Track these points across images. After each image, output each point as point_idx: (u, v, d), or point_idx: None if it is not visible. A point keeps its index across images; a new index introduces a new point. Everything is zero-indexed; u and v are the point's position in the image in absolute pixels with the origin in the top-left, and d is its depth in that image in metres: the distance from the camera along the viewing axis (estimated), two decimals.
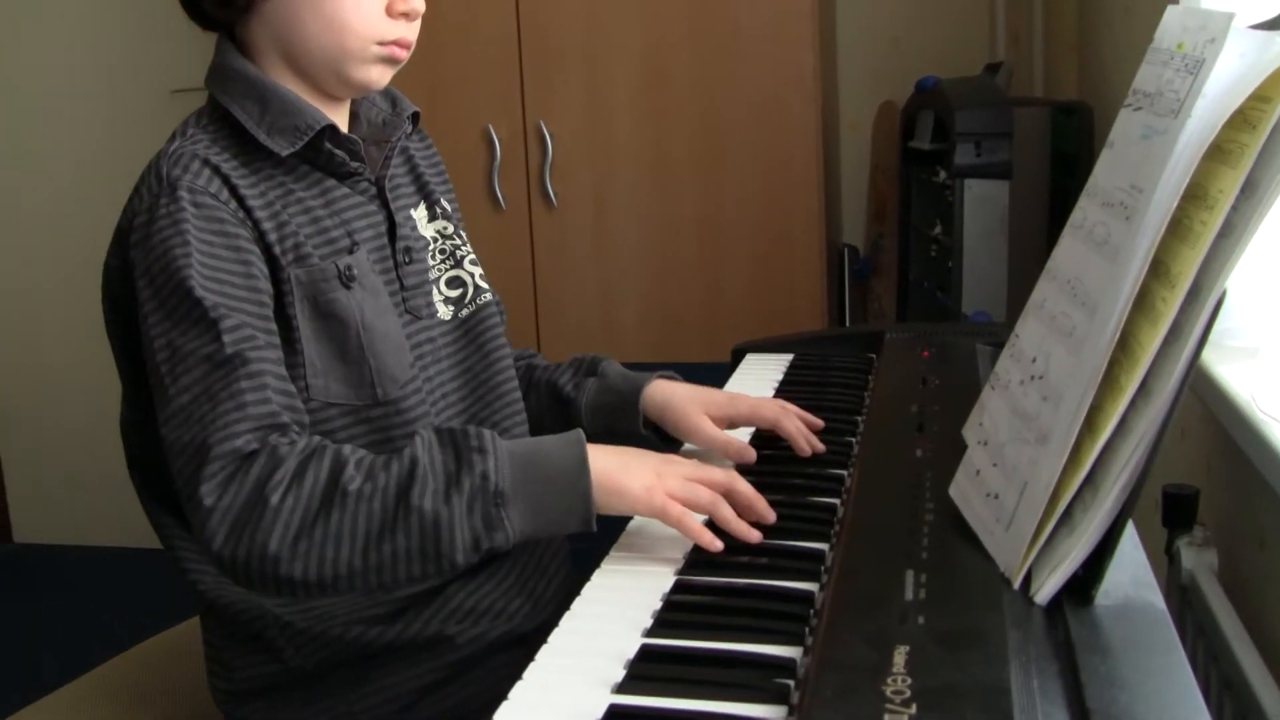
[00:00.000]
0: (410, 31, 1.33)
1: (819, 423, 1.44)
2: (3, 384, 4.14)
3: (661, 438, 1.48)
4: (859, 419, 1.50)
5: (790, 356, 1.85)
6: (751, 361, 1.87)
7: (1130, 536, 1.01)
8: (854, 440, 1.42)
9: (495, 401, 1.45)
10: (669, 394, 1.48)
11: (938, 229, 2.80)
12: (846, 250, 3.33)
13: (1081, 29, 2.93)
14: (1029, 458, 0.99)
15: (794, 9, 2.81)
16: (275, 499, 1.11)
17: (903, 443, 1.32)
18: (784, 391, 1.67)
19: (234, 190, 1.25)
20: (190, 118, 1.33)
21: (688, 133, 2.90)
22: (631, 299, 2.99)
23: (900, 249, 3.21)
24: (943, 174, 2.70)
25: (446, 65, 2.93)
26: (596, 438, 1.42)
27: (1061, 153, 2.62)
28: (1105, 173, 1.02)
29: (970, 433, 1.16)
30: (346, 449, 1.16)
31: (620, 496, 1.17)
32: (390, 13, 1.31)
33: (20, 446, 4.16)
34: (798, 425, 1.41)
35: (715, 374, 1.84)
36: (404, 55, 1.33)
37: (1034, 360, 1.04)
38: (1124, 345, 0.91)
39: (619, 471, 1.17)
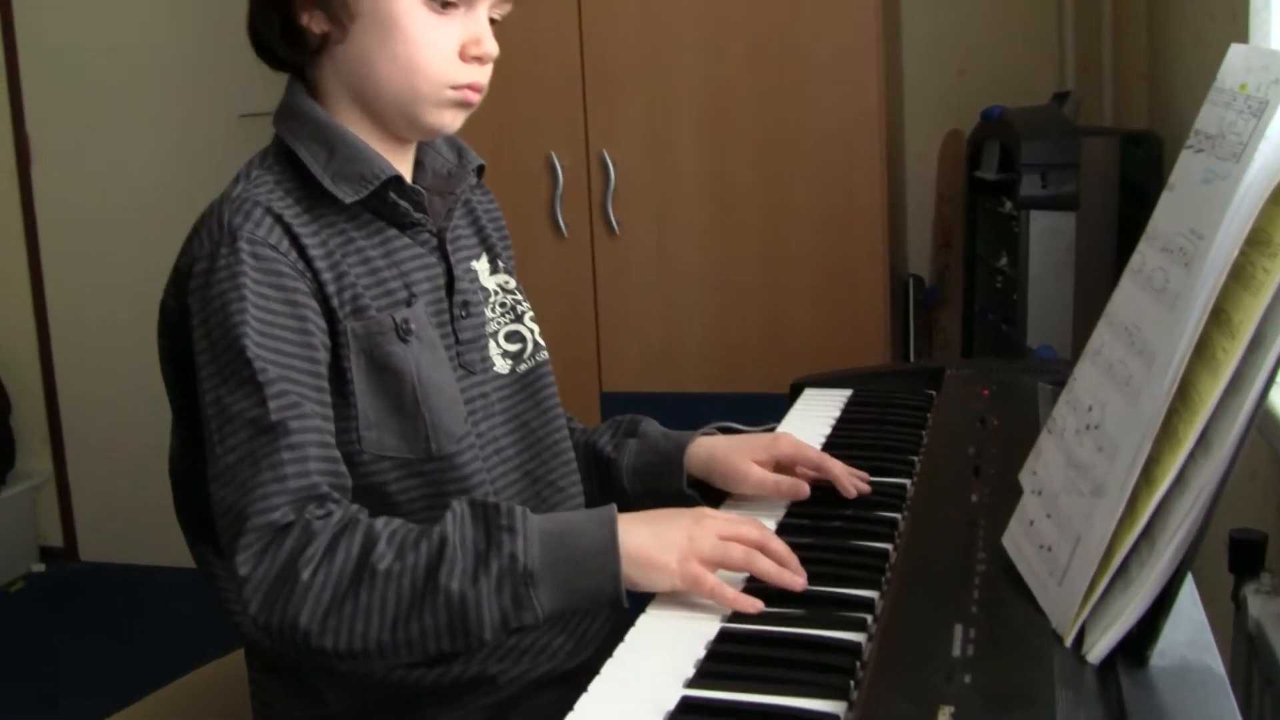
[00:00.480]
0: (483, 75, 1.32)
1: (866, 488, 1.39)
2: (70, 407, 4.22)
3: (704, 495, 1.46)
4: (915, 459, 1.47)
5: (849, 392, 1.82)
6: (810, 396, 1.84)
7: (1189, 593, 0.98)
8: (908, 483, 1.40)
9: (552, 460, 1.44)
10: (712, 448, 1.46)
11: (1003, 260, 2.75)
12: (912, 280, 3.29)
13: (1152, 58, 2.89)
14: (1083, 510, 0.96)
15: (858, 37, 2.78)
16: (306, 575, 1.11)
17: (958, 486, 1.29)
18: (842, 429, 1.65)
19: (295, 239, 1.24)
20: (255, 157, 1.32)
21: (750, 161, 2.88)
22: (692, 328, 2.97)
23: (966, 280, 3.17)
24: (1008, 204, 2.66)
25: (510, 92, 2.93)
26: (638, 498, 1.38)
27: (1131, 182, 2.57)
28: (1165, 216, 0.99)
29: (1026, 480, 1.13)
30: (380, 523, 1.16)
31: (654, 570, 1.14)
32: (463, 56, 1.29)
33: (87, 468, 4.24)
34: (843, 467, 1.39)
35: (774, 406, 1.82)
36: (476, 99, 1.32)
37: (1090, 409, 1.01)
38: (1183, 396, 0.88)
39: (652, 544, 1.15)
